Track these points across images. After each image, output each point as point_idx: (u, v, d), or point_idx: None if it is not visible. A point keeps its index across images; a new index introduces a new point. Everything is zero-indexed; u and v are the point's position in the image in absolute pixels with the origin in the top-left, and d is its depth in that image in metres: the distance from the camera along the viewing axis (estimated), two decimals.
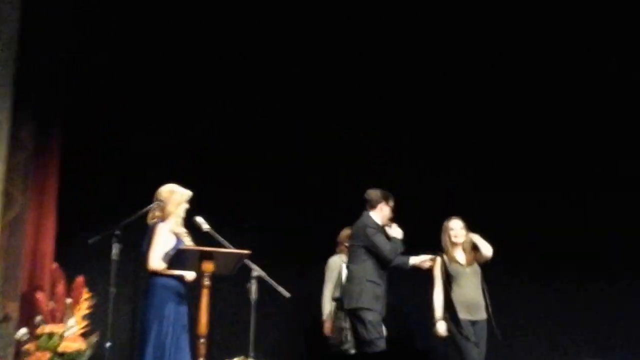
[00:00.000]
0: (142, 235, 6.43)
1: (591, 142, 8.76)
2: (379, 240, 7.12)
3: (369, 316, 6.98)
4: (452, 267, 7.20)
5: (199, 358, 6.07)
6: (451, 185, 8.49)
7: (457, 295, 7.11)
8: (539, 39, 8.62)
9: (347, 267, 7.32)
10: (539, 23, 8.56)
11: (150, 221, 6.49)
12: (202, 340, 6.07)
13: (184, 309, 6.38)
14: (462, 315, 7.08)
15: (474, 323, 7.08)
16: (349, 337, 7.18)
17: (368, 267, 7.13)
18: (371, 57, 8.72)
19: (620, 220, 8.50)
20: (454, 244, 7.31)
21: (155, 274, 6.32)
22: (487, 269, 7.24)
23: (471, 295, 7.12)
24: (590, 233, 8.43)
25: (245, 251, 6.28)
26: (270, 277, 6.60)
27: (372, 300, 7.02)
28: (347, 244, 7.61)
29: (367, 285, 7.07)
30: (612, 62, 8.38)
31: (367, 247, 7.13)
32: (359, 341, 7.01)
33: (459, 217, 7.37)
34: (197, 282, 6.25)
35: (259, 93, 8.61)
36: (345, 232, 7.81)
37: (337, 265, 7.80)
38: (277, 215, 8.43)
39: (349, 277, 7.27)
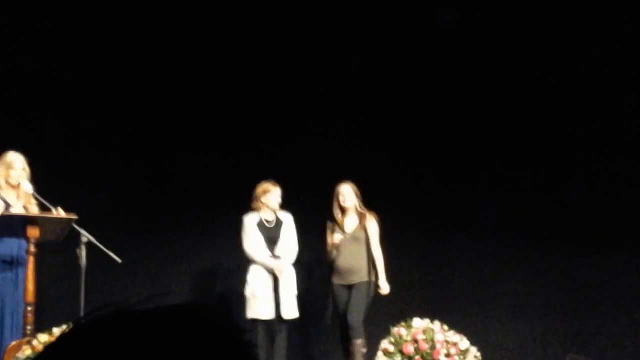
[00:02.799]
0: None
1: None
2: None
3: None
4: (335, 235, 7.33)
5: (26, 326, 5.90)
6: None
7: (335, 261, 7.31)
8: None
9: None
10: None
11: None
12: (29, 308, 5.92)
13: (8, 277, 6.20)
14: (336, 280, 7.30)
15: (349, 287, 7.26)
16: None
17: None
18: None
19: None
20: (342, 209, 7.37)
21: None
22: None
23: (347, 262, 7.27)
24: None
25: (73, 216, 6.12)
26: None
27: None
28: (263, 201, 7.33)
29: None
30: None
31: None
32: None
33: (348, 182, 7.39)
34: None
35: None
36: (262, 187, 7.37)
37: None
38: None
39: None
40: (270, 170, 7.51)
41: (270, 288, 7.19)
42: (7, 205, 6.25)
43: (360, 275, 7.28)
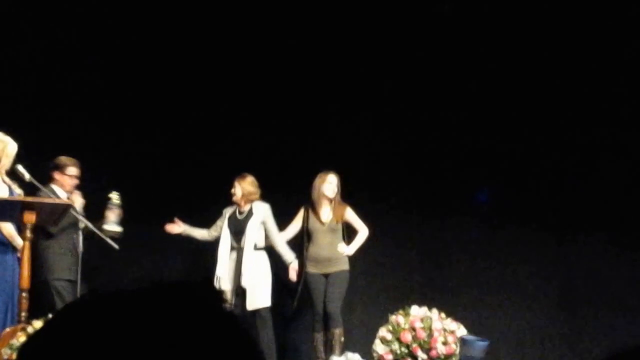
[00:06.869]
0: None
1: None
2: None
3: None
4: (311, 223, 7.28)
5: (21, 312, 5.87)
6: None
7: (309, 250, 7.26)
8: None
9: None
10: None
11: None
12: (24, 295, 5.88)
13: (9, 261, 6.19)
14: (312, 269, 7.23)
15: (326, 275, 7.24)
16: None
17: None
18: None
19: None
20: (324, 197, 7.30)
21: None
22: None
23: (324, 252, 7.25)
24: None
25: (69, 201, 6.09)
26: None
27: None
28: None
29: None
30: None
31: None
32: None
33: (335, 173, 7.34)
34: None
35: None
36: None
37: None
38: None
39: None
40: (262, 162, 7.53)
41: (232, 280, 7.10)
42: (11, 191, 6.22)
43: (339, 265, 7.26)
